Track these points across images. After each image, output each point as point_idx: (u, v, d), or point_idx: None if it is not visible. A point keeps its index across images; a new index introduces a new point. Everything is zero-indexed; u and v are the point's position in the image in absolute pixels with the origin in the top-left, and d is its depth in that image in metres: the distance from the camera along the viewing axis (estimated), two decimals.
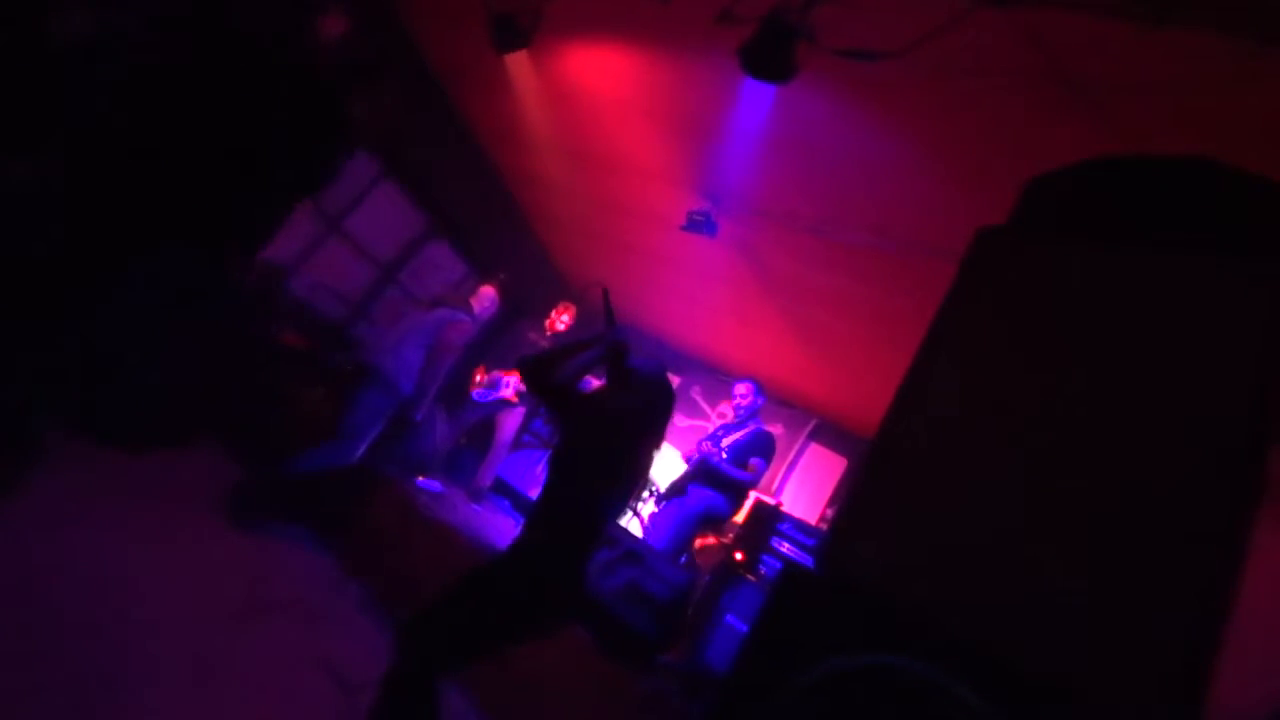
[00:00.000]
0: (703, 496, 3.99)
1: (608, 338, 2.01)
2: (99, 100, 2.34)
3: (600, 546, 2.06)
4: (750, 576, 3.33)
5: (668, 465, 4.88)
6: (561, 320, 5.00)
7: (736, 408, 4.28)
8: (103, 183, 2.54)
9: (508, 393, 4.69)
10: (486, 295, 4.13)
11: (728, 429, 4.22)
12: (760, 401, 4.28)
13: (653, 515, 4.45)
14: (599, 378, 1.94)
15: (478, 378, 4.81)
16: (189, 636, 2.07)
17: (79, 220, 2.66)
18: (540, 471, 4.80)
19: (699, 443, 4.24)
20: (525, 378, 1.99)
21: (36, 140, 2.47)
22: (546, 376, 1.94)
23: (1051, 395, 1.06)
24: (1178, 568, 0.87)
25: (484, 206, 6.24)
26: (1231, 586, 0.83)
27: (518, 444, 5.05)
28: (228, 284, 3.74)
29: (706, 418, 6.69)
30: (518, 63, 4.12)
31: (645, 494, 4.80)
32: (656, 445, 2.05)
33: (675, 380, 7.24)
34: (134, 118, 2.45)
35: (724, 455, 4.01)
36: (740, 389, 4.29)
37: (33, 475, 2.37)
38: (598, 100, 4.27)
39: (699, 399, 6.95)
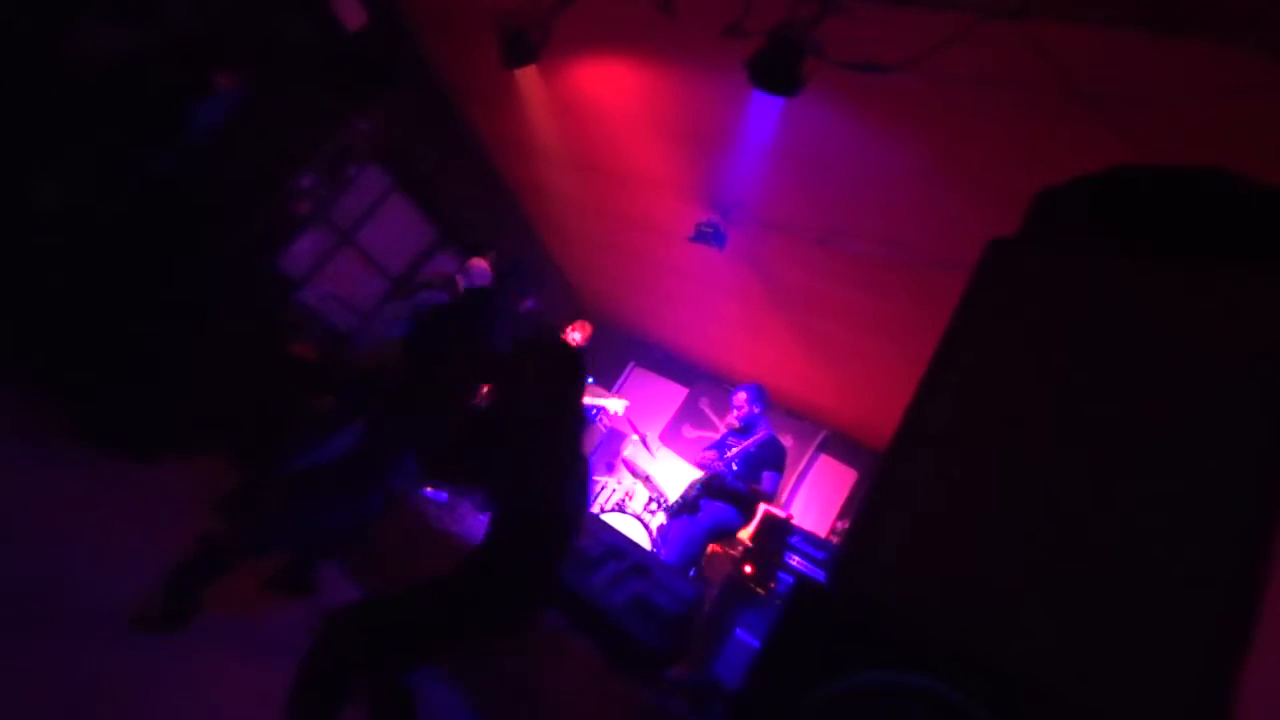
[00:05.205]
0: (713, 510, 3.96)
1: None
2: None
3: (576, 536, 2.11)
4: (760, 590, 3.30)
5: (675, 477, 4.86)
6: (573, 336, 4.98)
7: (738, 417, 4.24)
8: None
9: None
10: (478, 268, 4.01)
11: (735, 438, 4.19)
12: (758, 408, 4.23)
13: (662, 528, 4.43)
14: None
15: None
16: (189, 639, 2.07)
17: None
18: None
19: (706, 454, 4.22)
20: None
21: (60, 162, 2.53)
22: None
23: (1065, 407, 1.05)
24: (1196, 582, 0.85)
25: (493, 219, 6.29)
26: (1254, 600, 0.81)
27: None
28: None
29: (714, 428, 6.67)
30: (527, 77, 4.17)
31: (654, 506, 4.77)
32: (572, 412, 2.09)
33: (682, 391, 7.22)
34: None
35: (734, 467, 3.98)
36: (738, 398, 4.24)
37: (33, 476, 2.40)
38: (606, 113, 4.31)
39: (706, 410, 6.92)
